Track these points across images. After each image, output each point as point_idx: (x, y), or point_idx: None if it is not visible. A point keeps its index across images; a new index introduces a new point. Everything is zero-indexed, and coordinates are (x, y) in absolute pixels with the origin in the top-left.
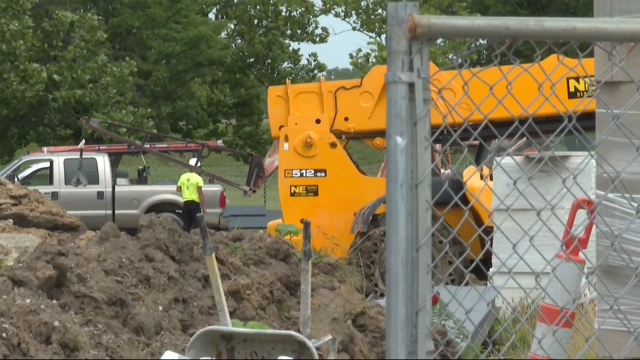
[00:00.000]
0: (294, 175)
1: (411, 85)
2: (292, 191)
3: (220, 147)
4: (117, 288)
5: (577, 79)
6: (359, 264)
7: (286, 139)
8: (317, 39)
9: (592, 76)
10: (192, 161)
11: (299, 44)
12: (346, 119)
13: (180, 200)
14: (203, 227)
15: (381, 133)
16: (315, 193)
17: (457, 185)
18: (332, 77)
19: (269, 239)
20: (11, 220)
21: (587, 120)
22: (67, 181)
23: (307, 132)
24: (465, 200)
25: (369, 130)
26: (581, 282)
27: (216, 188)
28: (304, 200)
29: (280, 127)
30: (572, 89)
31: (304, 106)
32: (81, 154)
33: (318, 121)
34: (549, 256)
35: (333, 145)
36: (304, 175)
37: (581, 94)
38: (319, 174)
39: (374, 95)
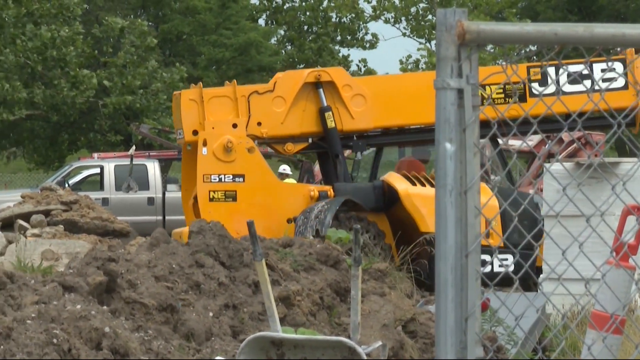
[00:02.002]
0: (212, 180)
1: (460, 92)
2: (211, 196)
3: (270, 153)
4: (168, 294)
5: (483, 87)
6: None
7: (204, 143)
8: (367, 45)
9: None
10: (286, 168)
11: (348, 50)
12: (259, 123)
13: None
14: (253, 233)
15: (293, 138)
16: (234, 199)
17: (380, 191)
18: None
19: (319, 245)
20: (62, 226)
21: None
22: (118, 187)
23: (226, 136)
24: (398, 205)
25: (282, 136)
26: (631, 288)
27: None
28: (222, 206)
29: (194, 131)
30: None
31: (218, 110)
32: (131, 160)
33: (235, 125)
34: (599, 262)
35: (251, 150)
36: (223, 180)
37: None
38: (237, 179)
39: (286, 100)
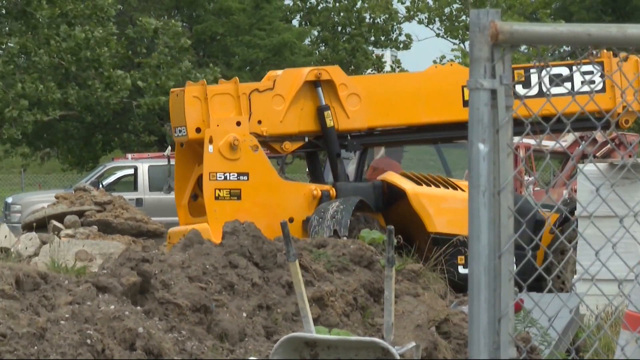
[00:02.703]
0: (218, 178)
1: (493, 92)
2: (217, 195)
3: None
4: (201, 294)
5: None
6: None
7: (210, 141)
8: (401, 46)
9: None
10: None
11: (382, 50)
12: (259, 122)
13: None
14: (286, 233)
15: (291, 137)
16: (238, 197)
17: (380, 190)
18: None
19: (352, 245)
20: (95, 226)
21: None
22: (152, 188)
23: (232, 134)
24: (400, 205)
25: (281, 134)
26: None
27: None
28: (227, 204)
29: (197, 129)
30: (467, 97)
31: (220, 108)
32: (169, 161)
33: (238, 123)
34: (632, 263)
35: (255, 148)
36: (228, 178)
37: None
38: (241, 177)
39: (285, 98)
